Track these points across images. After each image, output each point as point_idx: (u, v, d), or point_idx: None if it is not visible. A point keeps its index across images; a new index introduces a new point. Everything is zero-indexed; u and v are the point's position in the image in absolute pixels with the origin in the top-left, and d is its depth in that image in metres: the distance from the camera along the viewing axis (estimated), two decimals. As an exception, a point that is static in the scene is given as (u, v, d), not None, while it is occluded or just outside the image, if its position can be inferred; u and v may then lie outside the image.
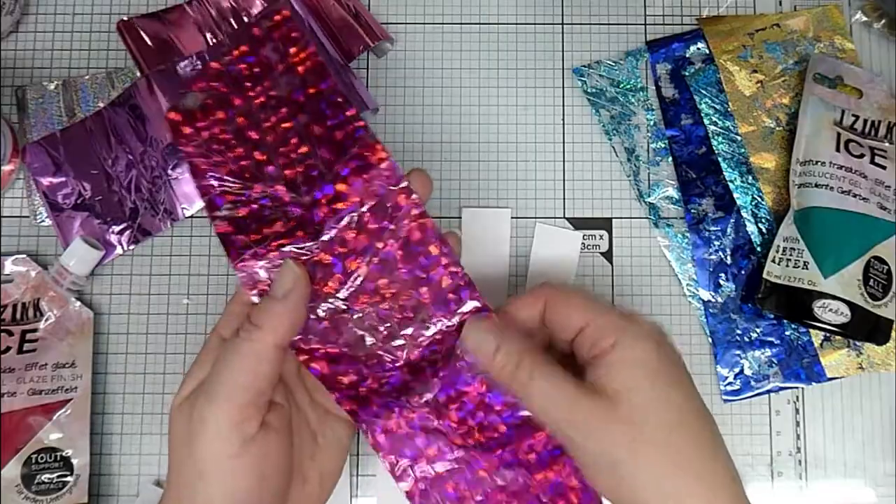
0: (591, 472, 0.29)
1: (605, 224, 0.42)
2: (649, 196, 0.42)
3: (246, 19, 0.43)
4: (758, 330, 0.41)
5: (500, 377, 0.30)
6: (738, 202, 0.41)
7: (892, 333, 0.39)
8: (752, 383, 0.40)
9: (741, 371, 0.40)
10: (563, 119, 0.43)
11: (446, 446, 0.30)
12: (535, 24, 0.44)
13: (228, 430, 0.27)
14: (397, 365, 0.31)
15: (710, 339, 0.41)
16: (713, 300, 0.41)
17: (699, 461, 0.28)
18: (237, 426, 0.27)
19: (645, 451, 0.28)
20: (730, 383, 0.40)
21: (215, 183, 0.30)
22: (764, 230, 0.41)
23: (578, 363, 0.30)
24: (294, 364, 0.32)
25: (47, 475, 0.38)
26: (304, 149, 0.30)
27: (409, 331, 0.31)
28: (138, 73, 0.42)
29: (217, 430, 0.27)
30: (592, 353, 0.29)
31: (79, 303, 0.40)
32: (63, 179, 0.41)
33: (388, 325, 0.31)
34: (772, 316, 0.40)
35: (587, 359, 0.30)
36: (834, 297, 0.38)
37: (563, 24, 0.44)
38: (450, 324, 0.31)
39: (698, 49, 0.43)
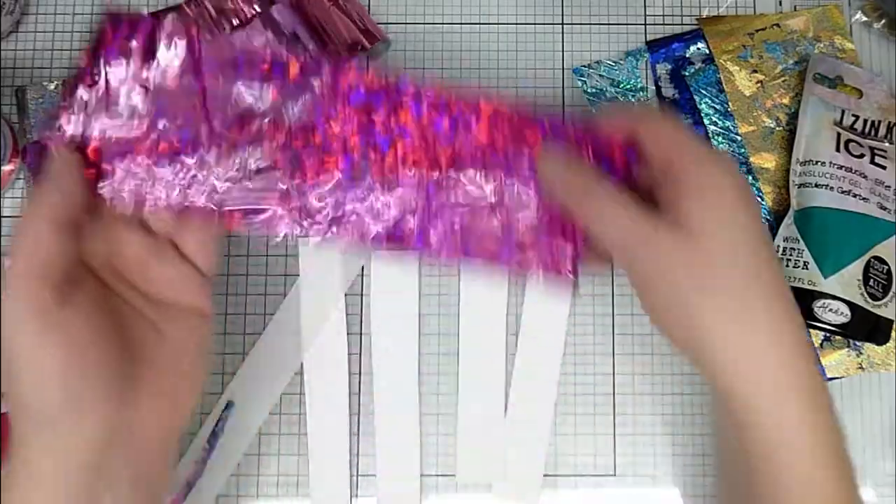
0: (652, 302, 0.30)
1: (605, 224, 0.42)
2: (649, 196, 0.42)
3: (236, 21, 0.42)
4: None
5: (565, 197, 0.31)
6: (738, 202, 0.41)
7: (892, 333, 0.39)
8: (752, 383, 0.40)
9: (741, 371, 0.40)
10: (563, 119, 0.43)
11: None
12: (535, 24, 0.44)
13: (25, 306, 0.27)
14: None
15: (710, 339, 0.41)
16: (713, 300, 0.41)
17: (767, 320, 0.29)
18: (31, 300, 0.27)
19: (718, 299, 0.28)
20: (730, 383, 0.40)
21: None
22: (764, 230, 0.41)
23: (655, 198, 0.30)
24: (104, 256, 0.30)
25: (47, 475, 0.38)
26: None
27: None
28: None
29: (13, 309, 0.27)
30: (678, 188, 0.29)
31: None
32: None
33: None
34: (772, 316, 0.40)
35: (669, 191, 0.30)
36: (834, 297, 0.38)
37: (563, 24, 0.44)
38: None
39: (698, 49, 0.43)
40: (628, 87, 0.43)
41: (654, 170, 0.31)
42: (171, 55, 0.31)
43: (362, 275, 0.41)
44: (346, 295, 0.41)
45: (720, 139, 0.42)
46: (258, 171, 0.31)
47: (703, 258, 0.28)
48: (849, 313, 0.38)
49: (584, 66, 0.43)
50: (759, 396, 0.28)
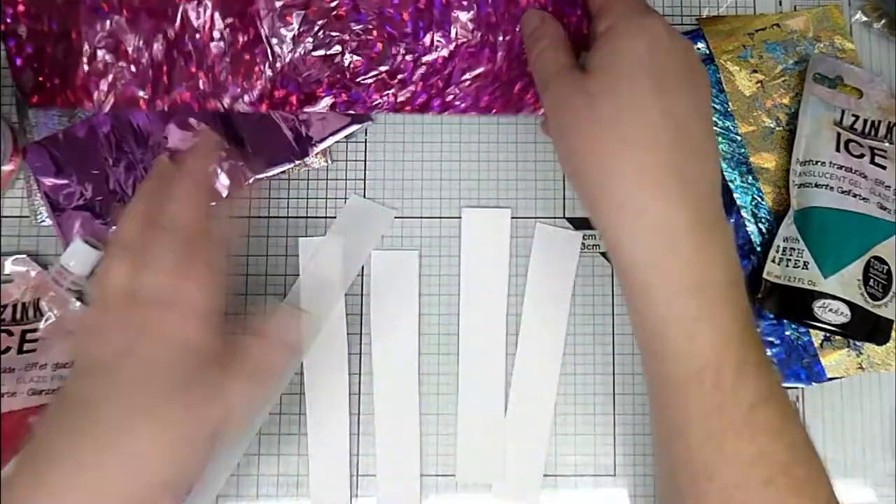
0: (556, 138, 0.33)
1: (605, 224, 0.42)
2: (649, 196, 0.42)
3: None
4: (758, 330, 0.41)
5: (526, 39, 0.36)
6: (738, 202, 0.41)
7: (892, 333, 0.39)
8: (752, 383, 0.40)
9: (741, 371, 0.40)
10: None
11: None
12: (535, 24, 0.44)
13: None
14: None
15: (710, 339, 0.41)
16: (713, 300, 0.41)
17: (664, 180, 0.29)
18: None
19: (594, 130, 0.30)
20: (730, 383, 0.40)
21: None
22: (764, 230, 0.41)
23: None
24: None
25: (47, 475, 0.38)
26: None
27: None
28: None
29: None
30: (594, 40, 0.33)
31: (79, 303, 0.40)
32: (65, 181, 0.41)
33: None
34: (772, 316, 0.40)
35: (595, 35, 0.33)
36: (834, 297, 0.38)
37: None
38: None
39: (698, 49, 0.43)
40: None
41: (592, 12, 0.34)
42: None
43: (362, 275, 0.41)
44: (346, 295, 0.41)
45: (720, 139, 0.42)
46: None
47: (593, 90, 0.31)
48: (849, 313, 0.38)
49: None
50: (620, 248, 0.30)
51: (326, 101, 0.40)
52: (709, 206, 0.30)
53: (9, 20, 0.40)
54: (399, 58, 0.40)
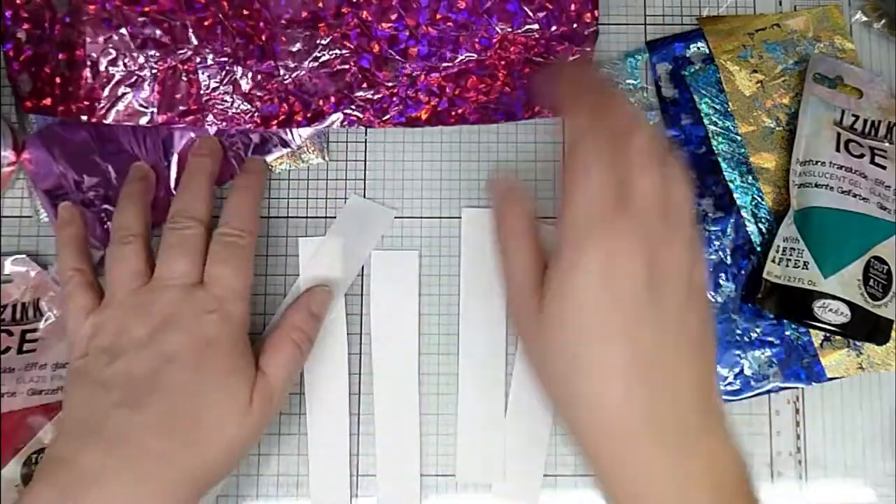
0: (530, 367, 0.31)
1: (605, 224, 0.42)
2: (649, 196, 0.42)
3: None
4: (758, 330, 0.41)
5: (499, 240, 0.32)
6: (738, 202, 0.41)
7: (893, 333, 0.39)
8: (752, 383, 0.40)
9: (741, 371, 0.40)
10: (564, 119, 0.43)
11: None
12: (535, 24, 0.44)
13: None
14: None
15: (710, 339, 0.41)
16: (713, 300, 0.41)
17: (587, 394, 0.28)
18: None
19: (551, 364, 0.29)
20: (730, 383, 0.40)
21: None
22: (764, 230, 0.41)
23: None
24: None
25: (47, 475, 0.38)
26: None
27: None
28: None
29: None
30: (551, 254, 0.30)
31: (79, 303, 0.40)
32: (65, 181, 0.40)
33: None
34: (772, 316, 0.40)
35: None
36: (834, 297, 0.38)
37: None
38: None
39: (698, 49, 0.43)
40: (628, 87, 0.43)
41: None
42: None
43: (362, 275, 0.41)
44: (346, 295, 0.41)
45: (720, 139, 0.42)
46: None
47: (546, 324, 0.29)
48: (849, 313, 0.38)
49: (584, 66, 0.43)
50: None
51: (334, 118, 0.40)
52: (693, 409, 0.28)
53: (8, 23, 0.39)
54: (406, 75, 0.41)
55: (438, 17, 0.41)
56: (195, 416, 0.31)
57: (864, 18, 0.44)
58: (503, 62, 0.41)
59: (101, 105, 0.39)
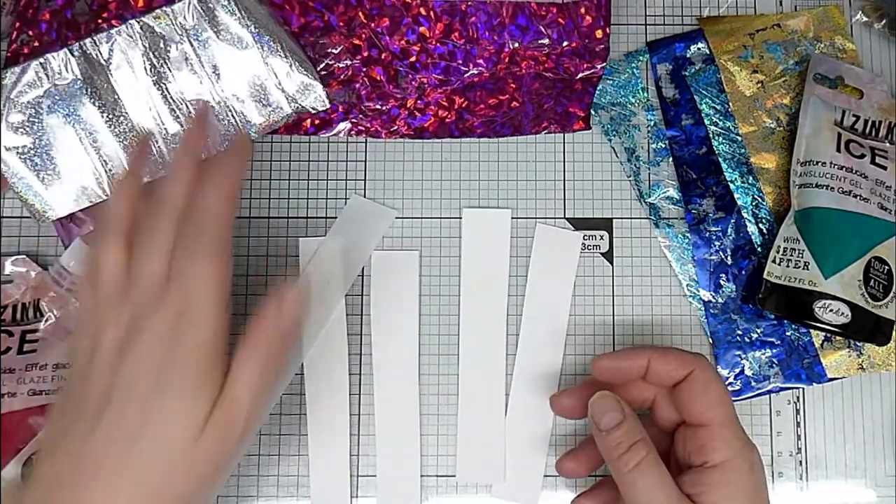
0: None
1: (606, 224, 0.42)
2: (650, 196, 0.42)
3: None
4: (758, 330, 0.41)
5: (609, 452, 0.32)
6: (739, 202, 0.41)
7: (893, 334, 0.39)
8: (753, 384, 0.40)
9: (742, 371, 0.40)
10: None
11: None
12: (535, 24, 0.44)
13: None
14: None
15: (710, 340, 0.41)
16: (714, 300, 0.41)
17: None
18: None
19: None
20: (730, 384, 0.40)
21: None
22: (764, 230, 0.41)
23: (678, 455, 0.32)
24: None
25: (47, 475, 0.38)
26: None
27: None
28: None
29: None
30: (697, 461, 0.31)
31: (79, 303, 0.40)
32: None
33: None
34: (772, 316, 0.40)
35: (688, 461, 0.32)
36: (834, 298, 0.38)
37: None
38: None
39: (699, 49, 0.43)
40: (628, 87, 0.43)
41: (688, 420, 0.33)
42: None
43: (362, 275, 0.41)
44: (346, 295, 0.41)
45: (720, 139, 0.42)
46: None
47: None
48: (849, 314, 0.38)
49: (585, 67, 0.43)
50: None
51: (342, 126, 0.41)
52: None
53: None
54: (416, 87, 0.41)
55: (450, 31, 0.41)
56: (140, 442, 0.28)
57: (865, 19, 0.44)
58: (513, 77, 0.41)
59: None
